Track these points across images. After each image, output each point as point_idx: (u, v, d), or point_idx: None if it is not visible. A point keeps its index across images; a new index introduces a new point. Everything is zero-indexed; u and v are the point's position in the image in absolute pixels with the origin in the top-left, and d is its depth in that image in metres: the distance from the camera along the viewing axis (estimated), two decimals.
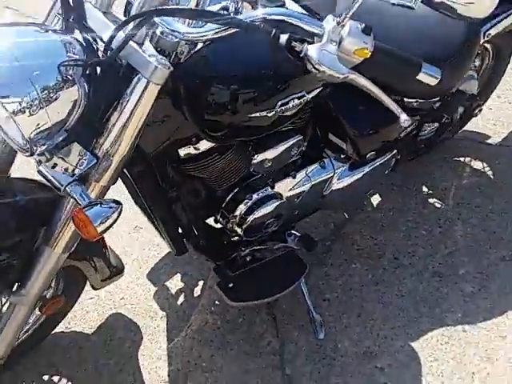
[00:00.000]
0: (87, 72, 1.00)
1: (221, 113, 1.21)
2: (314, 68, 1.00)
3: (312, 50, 0.99)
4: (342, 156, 1.65)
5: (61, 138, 1.02)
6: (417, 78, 1.10)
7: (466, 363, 1.60)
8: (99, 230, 1.01)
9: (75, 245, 1.21)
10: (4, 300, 1.40)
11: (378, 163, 1.71)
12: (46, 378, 1.58)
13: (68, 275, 1.45)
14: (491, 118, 2.39)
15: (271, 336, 1.67)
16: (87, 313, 1.73)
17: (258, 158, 1.41)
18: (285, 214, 1.58)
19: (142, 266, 1.86)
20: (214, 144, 1.32)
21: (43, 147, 1.01)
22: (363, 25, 0.99)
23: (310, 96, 1.31)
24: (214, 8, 1.10)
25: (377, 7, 1.50)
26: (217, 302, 1.75)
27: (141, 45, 1.02)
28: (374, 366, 1.59)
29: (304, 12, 1.08)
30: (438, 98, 1.76)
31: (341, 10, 1.02)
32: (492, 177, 2.18)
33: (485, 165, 2.23)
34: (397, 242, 1.94)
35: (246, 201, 1.48)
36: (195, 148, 1.32)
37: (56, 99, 0.98)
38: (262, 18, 0.99)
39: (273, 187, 1.52)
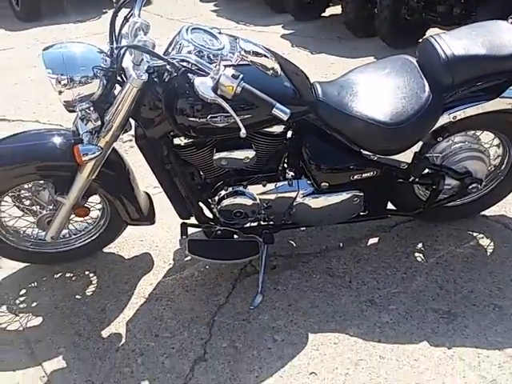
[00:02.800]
0: (108, 74, 1.91)
1: (178, 116, 1.79)
2: (195, 91, 1.69)
3: (196, 80, 1.69)
4: (309, 182, 2.17)
5: (87, 105, 1.92)
6: (272, 112, 1.65)
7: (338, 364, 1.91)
8: (82, 158, 1.84)
9: (95, 174, 2.01)
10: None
11: (340, 197, 2.14)
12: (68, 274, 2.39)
13: (112, 208, 2.24)
14: None
15: (224, 293, 2.24)
16: (129, 245, 2.59)
17: (216, 156, 1.94)
18: (256, 212, 2.14)
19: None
20: (191, 139, 2.03)
21: (78, 107, 1.92)
22: (234, 72, 1.61)
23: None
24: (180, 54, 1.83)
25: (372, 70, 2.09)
26: (207, 267, 2.42)
27: (137, 64, 1.85)
28: (272, 336, 2.05)
29: (213, 57, 1.78)
30: (402, 159, 2.11)
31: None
32: (488, 255, 2.31)
33: (491, 244, 2.36)
34: (360, 272, 2.29)
35: (223, 190, 2.11)
36: (181, 140, 2.02)
37: (88, 83, 1.89)
38: (180, 59, 1.74)
39: (245, 187, 2.11)
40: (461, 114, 2.04)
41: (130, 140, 3.19)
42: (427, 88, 2.01)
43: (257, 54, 1.76)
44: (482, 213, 2.53)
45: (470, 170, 2.21)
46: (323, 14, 5.77)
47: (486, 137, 2.36)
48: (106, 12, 6.39)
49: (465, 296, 2.13)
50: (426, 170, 2.21)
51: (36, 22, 6.10)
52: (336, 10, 5.67)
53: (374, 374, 1.86)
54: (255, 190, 2.12)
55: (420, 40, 4.73)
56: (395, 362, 1.89)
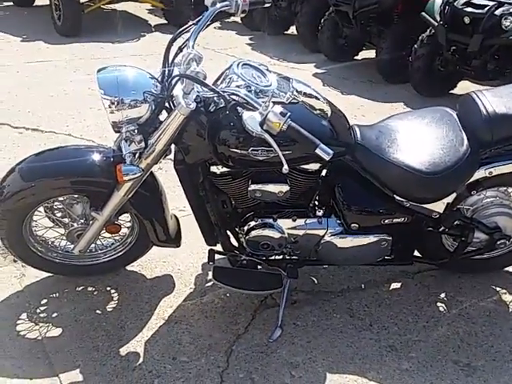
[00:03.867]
0: (158, 100, 1.97)
1: (220, 146, 1.86)
2: (242, 124, 1.75)
3: (245, 114, 1.75)
4: (338, 221, 2.20)
5: (133, 127, 1.99)
6: (315, 151, 1.69)
7: None
8: (123, 177, 1.88)
9: (131, 193, 2.06)
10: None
11: (367, 239, 2.16)
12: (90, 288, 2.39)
13: (141, 228, 2.28)
14: None
15: (243, 323, 2.25)
16: (152, 265, 2.61)
17: (251, 187, 1.99)
18: (282, 246, 2.17)
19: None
20: (228, 169, 2.02)
21: (124, 128, 1.98)
22: (282, 109, 1.66)
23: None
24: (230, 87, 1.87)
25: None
26: (227, 294, 2.43)
27: (187, 93, 1.92)
28: (290, 372, 2.04)
29: (260, 92, 1.84)
30: (435, 208, 2.13)
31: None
32: (510, 311, 2.30)
33: None
34: (381, 316, 2.28)
35: (252, 221, 2.15)
36: (218, 168, 2.05)
37: (137, 107, 1.96)
38: (230, 93, 1.80)
39: (275, 220, 2.15)
40: (496, 170, 2.07)
41: (160, 162, 3.23)
42: (466, 142, 2.04)
43: (308, 94, 1.81)
44: (506, 268, 2.52)
45: (499, 225, 2.23)
46: (356, 57, 5.86)
47: None
48: (144, 35, 6.57)
49: (485, 350, 2.12)
50: (457, 222, 2.21)
51: (75, 37, 6.28)
52: (369, 53, 5.78)
53: None
54: (284, 223, 2.14)
55: (451, 91, 4.80)
56: None
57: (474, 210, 2.25)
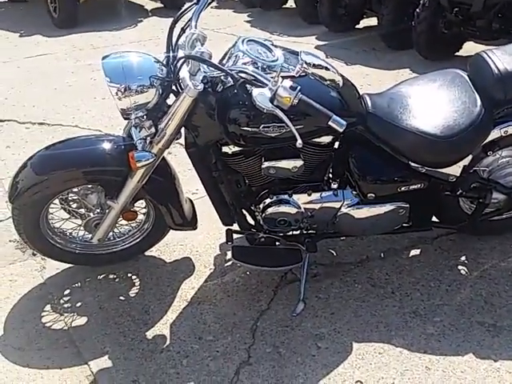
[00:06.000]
0: (164, 83, 1.95)
1: (230, 125, 1.84)
2: (252, 101, 1.73)
3: (255, 91, 1.73)
4: (354, 192, 2.18)
5: (142, 113, 1.97)
6: (328, 123, 1.68)
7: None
8: (136, 164, 1.87)
9: (145, 180, 2.05)
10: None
11: (384, 208, 2.15)
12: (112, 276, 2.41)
13: (157, 213, 2.28)
14: None
15: (266, 299, 2.26)
16: (170, 249, 2.62)
17: (265, 165, 1.98)
18: (299, 221, 2.16)
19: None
20: (240, 148, 2.01)
21: (133, 115, 1.97)
22: (292, 83, 1.64)
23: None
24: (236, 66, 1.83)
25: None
26: (248, 272, 2.44)
27: (193, 75, 1.89)
28: (316, 343, 2.05)
29: (268, 68, 1.81)
30: (451, 172, 2.11)
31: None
32: None
33: None
34: (402, 283, 2.28)
35: (268, 198, 2.13)
36: (230, 148, 2.03)
37: (144, 92, 1.94)
38: (238, 70, 1.77)
39: (290, 196, 2.13)
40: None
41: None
42: (479, 102, 2.01)
43: (317, 66, 1.78)
44: None
45: None
46: (358, 26, 5.78)
47: None
48: (142, 21, 6.50)
49: (510, 310, 2.12)
50: (474, 184, 2.19)
51: (73, 28, 6.23)
52: (370, 21, 5.69)
53: None
54: (300, 199, 2.13)
55: (456, 53, 4.72)
56: (441, 373, 1.88)
57: (491, 170, 2.23)
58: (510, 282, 2.25)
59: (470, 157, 2.08)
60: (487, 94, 2.02)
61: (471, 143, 2.03)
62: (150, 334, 2.11)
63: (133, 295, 2.32)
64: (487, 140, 2.06)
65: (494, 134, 2.05)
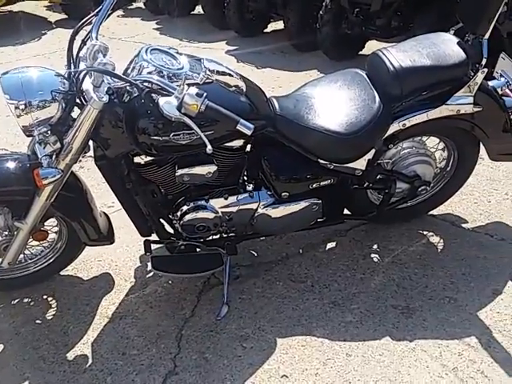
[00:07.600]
0: (67, 97, 1.89)
1: (140, 135, 1.82)
2: (160, 110, 1.71)
3: (161, 100, 1.71)
4: (269, 193, 2.22)
5: (46, 129, 1.90)
6: (236, 128, 1.68)
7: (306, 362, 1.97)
8: (42, 182, 1.80)
9: (53, 197, 1.97)
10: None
11: (299, 205, 2.20)
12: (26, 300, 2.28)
13: (70, 230, 2.21)
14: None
15: (189, 307, 2.25)
16: (87, 266, 2.55)
17: (178, 172, 1.96)
18: (218, 225, 2.17)
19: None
20: (152, 158, 1.99)
21: (36, 131, 1.89)
22: (198, 90, 1.64)
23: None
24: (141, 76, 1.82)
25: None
26: (170, 282, 2.42)
27: (97, 86, 1.85)
28: (241, 344, 2.07)
29: (173, 76, 1.81)
30: (357, 166, 2.19)
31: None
32: (439, 251, 2.45)
33: (441, 241, 2.50)
34: (321, 276, 2.36)
35: (185, 206, 2.12)
36: (142, 158, 2.00)
37: (46, 107, 1.87)
38: (142, 80, 1.75)
39: (207, 201, 2.14)
40: (410, 121, 2.15)
41: (80, 161, 3.14)
42: (377, 99, 2.12)
43: (221, 72, 1.81)
44: (430, 212, 2.66)
45: (418, 173, 2.34)
46: (266, 30, 5.90)
47: (432, 142, 2.50)
48: (46, 33, 6.28)
49: (421, 291, 2.24)
50: (379, 176, 2.31)
51: None
52: (278, 25, 5.83)
53: (342, 371, 1.92)
54: (217, 203, 2.15)
55: (360, 52, 4.94)
56: (361, 359, 1.96)
57: (394, 162, 2.35)
58: (420, 264, 2.39)
59: (374, 151, 2.18)
60: (385, 90, 2.13)
61: (373, 137, 2.13)
62: (70, 356, 2.05)
63: (50, 317, 2.23)
64: (388, 133, 2.17)
65: (394, 127, 2.16)
